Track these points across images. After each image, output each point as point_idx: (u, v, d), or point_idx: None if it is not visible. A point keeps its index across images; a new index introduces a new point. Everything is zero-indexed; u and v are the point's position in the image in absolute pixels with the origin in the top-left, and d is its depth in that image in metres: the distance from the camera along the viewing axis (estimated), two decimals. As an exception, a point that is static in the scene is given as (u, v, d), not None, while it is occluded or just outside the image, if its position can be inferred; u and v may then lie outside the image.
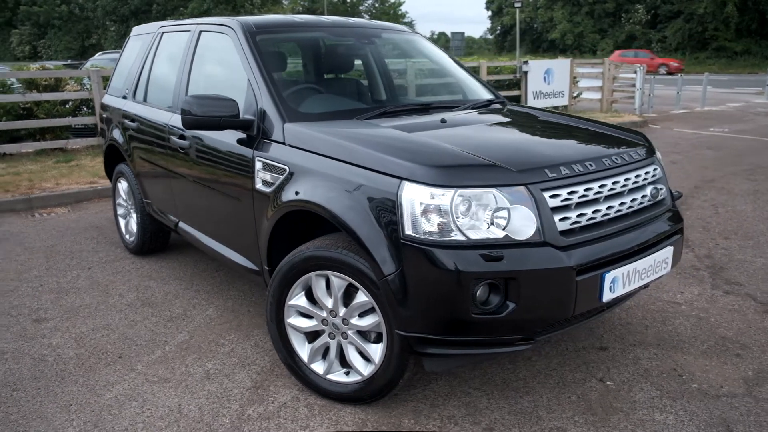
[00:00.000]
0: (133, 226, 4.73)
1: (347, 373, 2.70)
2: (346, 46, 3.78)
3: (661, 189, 2.79)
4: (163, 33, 4.32)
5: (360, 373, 2.63)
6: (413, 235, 2.23)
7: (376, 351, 2.56)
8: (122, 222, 4.97)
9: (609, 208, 2.49)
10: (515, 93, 12.95)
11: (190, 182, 3.63)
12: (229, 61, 3.36)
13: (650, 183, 2.74)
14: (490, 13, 60.76)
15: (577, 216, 2.37)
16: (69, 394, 2.86)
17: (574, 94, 14.09)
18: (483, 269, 2.19)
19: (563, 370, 2.99)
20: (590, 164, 2.50)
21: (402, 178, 2.29)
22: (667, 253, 2.66)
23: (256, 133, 2.99)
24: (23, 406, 2.77)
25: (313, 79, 3.56)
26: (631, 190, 2.63)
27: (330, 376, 2.72)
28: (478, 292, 2.21)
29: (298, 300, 2.71)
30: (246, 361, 3.14)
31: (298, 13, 65.34)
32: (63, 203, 6.67)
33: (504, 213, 2.24)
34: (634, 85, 13.93)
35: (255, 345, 3.29)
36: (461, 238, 2.22)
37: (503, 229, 2.24)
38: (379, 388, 2.59)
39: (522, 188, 2.28)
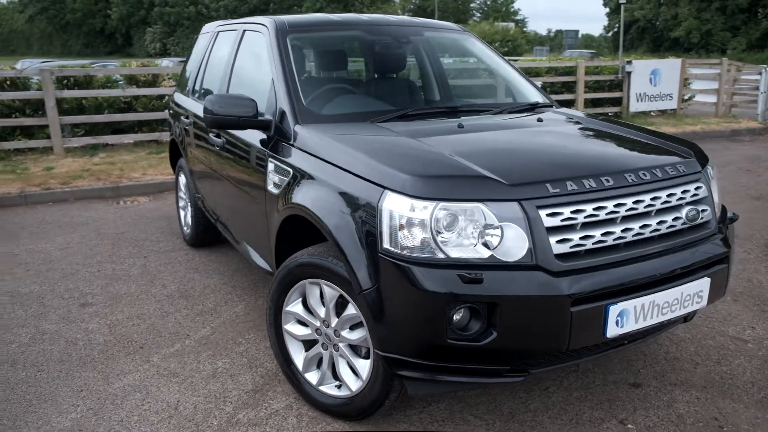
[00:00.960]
0: (189, 218, 4.91)
1: (339, 387, 2.59)
2: (383, 45, 3.64)
3: (704, 211, 2.42)
4: (219, 32, 4.42)
5: (349, 388, 2.51)
6: (391, 249, 2.08)
7: (365, 367, 2.43)
8: (182, 214, 5.17)
9: (626, 230, 2.18)
10: (616, 95, 12.15)
11: (223, 180, 3.68)
12: (262, 60, 3.35)
13: (689, 203, 2.38)
14: (608, 9, 57.72)
15: (581, 238, 2.09)
16: (84, 380, 2.98)
17: (685, 97, 12.97)
18: (460, 291, 1.98)
19: (582, 405, 2.69)
20: (607, 180, 2.20)
21: (384, 187, 2.14)
22: (701, 285, 2.30)
23: (273, 134, 2.95)
24: (41, 387, 2.91)
25: (346, 80, 3.46)
26: (660, 211, 2.30)
27: (322, 387, 2.63)
28: (455, 316, 2.01)
29: (295, 307, 2.64)
30: (255, 362, 3.11)
31: (410, 11, 65.68)
32: (146, 193, 7.08)
33: (492, 231, 2.03)
34: (757, 88, 12.57)
35: (269, 347, 3.26)
36: (441, 255, 2.03)
37: (490, 249, 2.03)
38: (366, 406, 2.46)
39: (514, 204, 2.05)
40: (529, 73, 11.43)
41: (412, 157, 2.30)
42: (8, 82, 8.32)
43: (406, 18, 3.83)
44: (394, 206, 2.08)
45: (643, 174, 2.30)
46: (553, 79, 11.58)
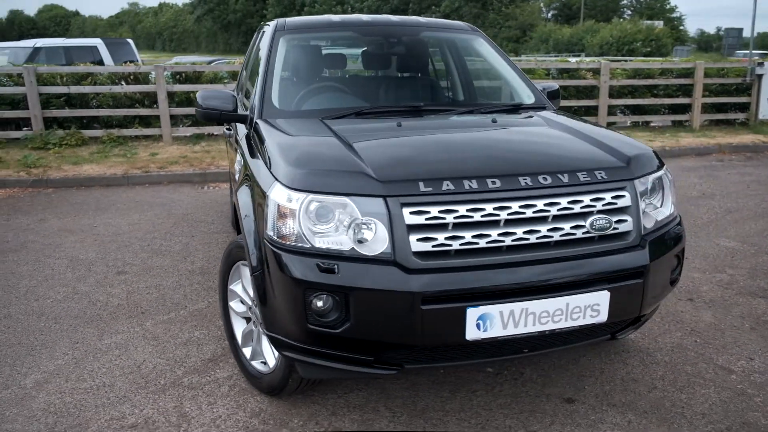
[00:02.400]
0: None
1: (264, 363, 2.78)
2: (374, 46, 3.74)
3: (622, 221, 2.27)
4: (261, 32, 4.78)
5: (268, 365, 2.70)
6: (272, 236, 2.23)
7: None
8: (230, 201, 5.65)
9: (506, 234, 2.13)
10: (743, 99, 10.94)
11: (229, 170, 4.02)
12: (262, 58, 3.62)
13: (602, 212, 2.25)
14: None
15: (447, 238, 2.09)
16: (83, 335, 3.45)
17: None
18: (316, 279, 2.09)
19: (499, 412, 2.63)
20: (494, 182, 2.17)
21: (275, 179, 2.29)
22: (597, 298, 2.17)
23: (249, 128, 3.20)
24: (48, 337, 3.43)
25: (332, 78, 3.62)
26: (558, 218, 2.20)
27: (253, 362, 2.83)
28: (314, 302, 2.11)
29: (236, 286, 2.87)
30: (225, 336, 3.40)
31: (554, 8, 63.22)
32: (228, 180, 7.74)
33: (356, 224, 2.10)
34: None
35: (245, 323, 3.54)
36: (307, 245, 2.14)
37: (352, 242, 2.10)
38: (274, 384, 2.63)
39: (379, 200, 2.10)
40: (638, 75, 10.69)
41: (309, 151, 2.42)
42: (132, 77, 9.48)
43: (409, 18, 3.88)
44: (277, 196, 2.22)
45: (543, 179, 2.22)
46: (667, 81, 10.71)
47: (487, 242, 2.12)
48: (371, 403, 2.72)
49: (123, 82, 9.51)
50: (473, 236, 2.11)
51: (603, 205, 2.26)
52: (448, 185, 2.13)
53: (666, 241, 2.40)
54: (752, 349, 3.19)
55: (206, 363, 3.11)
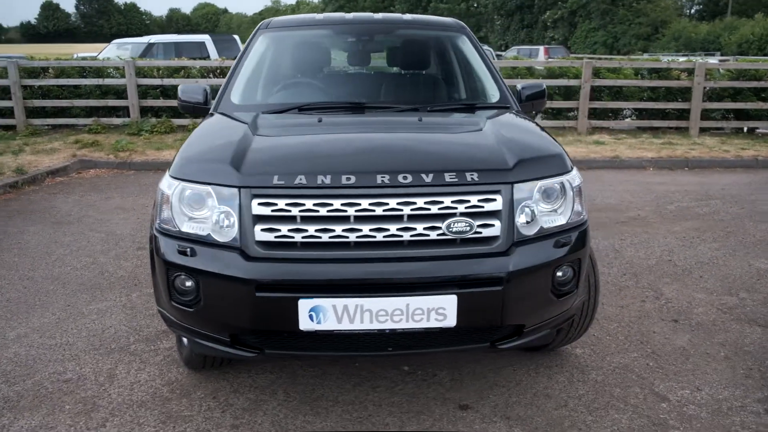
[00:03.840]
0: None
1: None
2: (348, 44, 3.81)
3: (487, 226, 2.20)
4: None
5: (184, 341, 2.91)
6: (156, 220, 2.42)
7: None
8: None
9: (352, 230, 2.16)
10: None
11: None
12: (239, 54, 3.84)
13: (465, 215, 2.19)
14: None
15: (291, 230, 2.16)
16: (77, 299, 3.89)
17: None
18: (176, 261, 2.26)
19: (386, 410, 2.65)
20: (348, 178, 2.20)
21: (169, 168, 2.48)
22: (443, 302, 2.13)
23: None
24: (50, 298, 3.91)
25: (302, 75, 3.74)
26: (413, 218, 2.18)
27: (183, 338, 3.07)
28: (176, 282, 2.28)
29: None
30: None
31: (698, 3, 57.96)
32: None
33: (215, 211, 2.24)
34: None
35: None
36: (175, 229, 2.31)
37: (211, 228, 2.24)
38: (190, 358, 2.84)
39: (235, 191, 2.22)
40: (742, 77, 9.69)
41: (203, 144, 2.57)
42: (219, 71, 10.23)
43: (393, 16, 3.89)
44: (162, 184, 2.42)
45: (403, 178, 2.21)
46: (736, 84, 9.63)
47: (331, 237, 2.16)
48: (273, 386, 2.84)
49: (211, 75, 10.29)
50: (316, 230, 2.16)
51: (466, 207, 2.20)
52: (301, 179, 2.20)
53: (546, 251, 2.27)
54: (709, 380, 2.90)
55: (159, 334, 3.40)
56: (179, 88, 3.52)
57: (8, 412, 2.66)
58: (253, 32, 3.74)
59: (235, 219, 2.20)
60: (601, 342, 3.28)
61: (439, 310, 2.14)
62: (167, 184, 2.37)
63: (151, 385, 2.87)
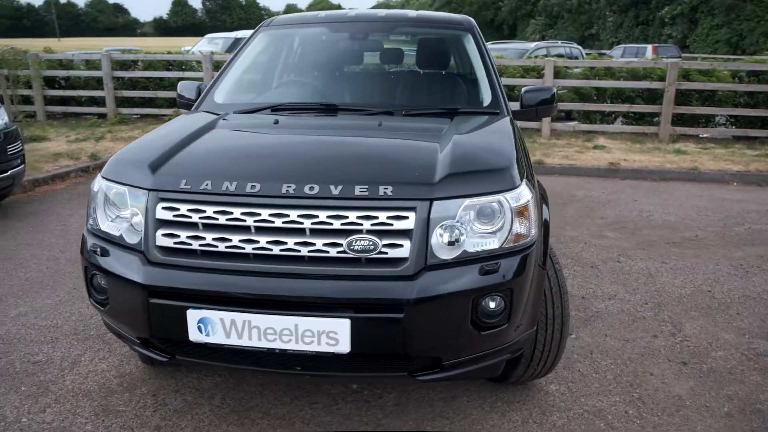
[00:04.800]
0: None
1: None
2: (344, 43, 3.65)
3: (394, 246, 2.01)
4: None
5: (139, 336, 2.95)
6: (89, 218, 2.44)
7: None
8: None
9: (248, 241, 2.04)
10: None
11: None
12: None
13: (372, 232, 2.01)
14: None
15: (189, 237, 2.08)
16: (69, 278, 4.07)
17: None
18: (89, 259, 2.26)
19: (312, 428, 2.51)
20: (253, 186, 2.09)
21: None
22: (335, 325, 1.97)
23: None
24: (62, 281, 4.12)
25: (289, 74, 3.65)
26: (315, 232, 2.03)
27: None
28: (93, 280, 2.29)
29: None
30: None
31: None
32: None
33: (129, 213, 2.22)
34: None
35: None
36: (97, 227, 2.32)
37: (124, 228, 2.22)
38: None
39: (145, 192, 2.17)
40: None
41: (139, 145, 2.53)
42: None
43: (397, 13, 3.69)
44: (94, 183, 2.43)
45: (310, 188, 2.06)
46: None
47: (227, 247, 2.06)
48: (215, 389, 2.80)
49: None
50: (214, 239, 2.07)
51: (373, 224, 2.02)
52: (206, 185, 2.12)
53: (465, 278, 2.03)
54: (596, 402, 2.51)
55: (139, 324, 3.47)
56: (178, 84, 3.57)
57: (-30, 388, 2.82)
58: (254, 30, 3.71)
59: (141, 220, 2.16)
60: (584, 379, 2.94)
61: (330, 334, 1.98)
62: (95, 183, 2.38)
63: (104, 376, 2.93)
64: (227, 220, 2.07)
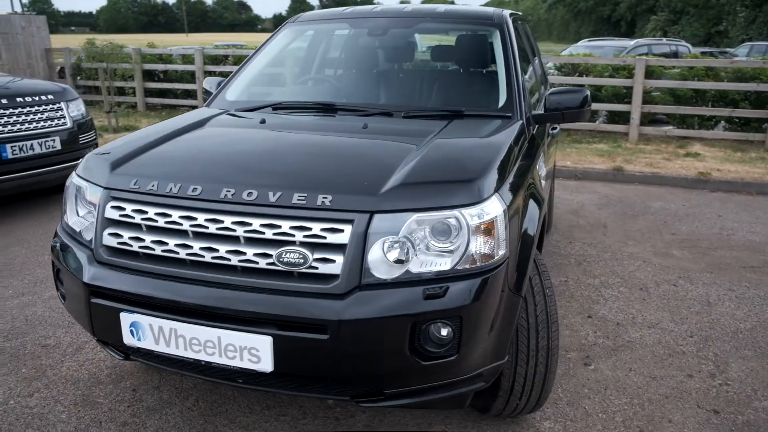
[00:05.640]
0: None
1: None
2: (363, 40, 3.47)
3: (325, 260, 1.85)
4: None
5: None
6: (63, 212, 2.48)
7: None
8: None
9: (183, 246, 1.97)
10: None
11: None
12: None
13: (304, 244, 1.87)
14: None
15: (131, 238, 2.04)
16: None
17: None
18: (53, 254, 2.29)
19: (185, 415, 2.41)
20: (195, 188, 2.01)
21: None
22: (257, 342, 1.84)
23: None
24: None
25: (310, 71, 3.54)
26: (250, 241, 1.92)
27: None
28: (59, 274, 2.32)
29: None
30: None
31: None
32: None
33: (86, 210, 2.22)
34: None
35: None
36: (65, 222, 2.35)
37: (83, 225, 2.23)
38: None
39: (101, 190, 2.16)
40: None
41: (129, 140, 2.52)
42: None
43: (425, 8, 3.44)
44: (70, 179, 2.46)
45: (248, 194, 1.95)
46: None
47: (163, 251, 1.99)
48: (192, 390, 2.78)
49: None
50: (152, 241, 2.01)
51: (305, 236, 1.87)
52: (152, 185, 2.06)
53: (404, 301, 1.82)
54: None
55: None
56: (205, 79, 3.60)
57: (-21, 365, 2.99)
58: (281, 25, 3.66)
59: (94, 219, 2.16)
60: (586, 419, 2.62)
61: (252, 350, 1.86)
62: (69, 178, 2.42)
63: (98, 366, 3.00)
64: (166, 222, 2.01)
